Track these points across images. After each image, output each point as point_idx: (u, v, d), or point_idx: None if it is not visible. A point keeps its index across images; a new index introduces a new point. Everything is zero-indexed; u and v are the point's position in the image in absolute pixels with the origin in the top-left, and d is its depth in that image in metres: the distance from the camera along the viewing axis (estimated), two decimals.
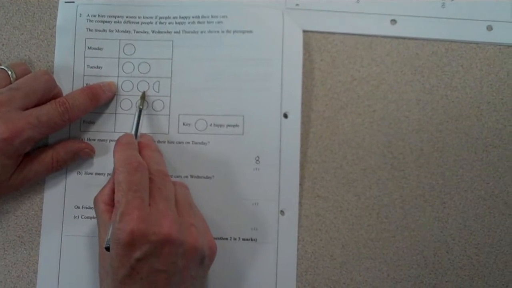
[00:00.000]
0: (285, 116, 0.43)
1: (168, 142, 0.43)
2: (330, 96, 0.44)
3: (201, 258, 0.37)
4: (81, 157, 0.43)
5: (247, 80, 0.43)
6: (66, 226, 0.43)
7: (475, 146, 0.44)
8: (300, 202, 0.43)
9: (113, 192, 0.38)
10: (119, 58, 0.44)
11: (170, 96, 0.44)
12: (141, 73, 0.44)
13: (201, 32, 0.44)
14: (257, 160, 0.43)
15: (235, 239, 0.42)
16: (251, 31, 0.44)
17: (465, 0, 0.44)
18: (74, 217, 0.43)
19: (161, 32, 0.44)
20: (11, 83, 0.40)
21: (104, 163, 0.43)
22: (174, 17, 0.44)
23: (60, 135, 0.43)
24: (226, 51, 0.44)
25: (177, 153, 0.43)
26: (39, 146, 0.42)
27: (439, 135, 0.44)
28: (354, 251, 0.43)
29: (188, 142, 0.43)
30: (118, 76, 0.44)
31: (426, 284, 0.43)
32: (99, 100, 0.42)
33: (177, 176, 0.43)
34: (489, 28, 0.45)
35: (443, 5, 0.45)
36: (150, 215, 0.35)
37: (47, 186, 0.43)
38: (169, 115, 0.43)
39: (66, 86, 0.43)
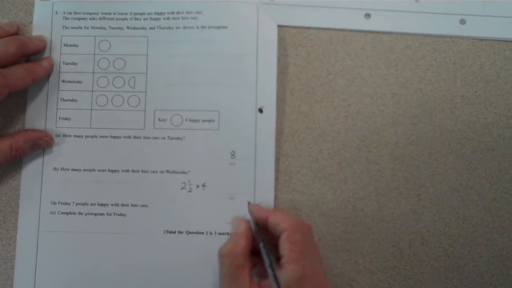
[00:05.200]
0: (260, 110, 0.44)
1: (144, 137, 0.43)
2: (305, 91, 0.45)
3: None
4: (40, 146, 0.43)
5: (222, 75, 0.44)
6: (42, 221, 0.43)
7: (449, 139, 0.44)
8: (276, 196, 0.44)
9: (248, 245, 0.37)
10: (94, 54, 0.44)
11: (145, 92, 0.44)
12: (116, 69, 0.44)
13: (176, 28, 0.44)
14: (233, 155, 0.43)
15: (211, 233, 0.43)
16: (226, 27, 0.44)
17: None
18: (51, 212, 0.43)
19: (136, 28, 0.44)
20: None
21: (80, 159, 0.43)
22: (149, 13, 0.44)
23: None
24: (201, 47, 0.44)
25: (153, 148, 0.43)
26: None
27: (413, 128, 0.44)
28: (330, 243, 0.44)
29: (164, 138, 0.43)
30: (93, 72, 0.44)
31: (402, 275, 0.44)
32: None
33: (153, 171, 0.43)
34: (462, 22, 0.45)
35: (416, 0, 0.45)
36: (320, 282, 0.36)
37: (23, 182, 0.43)
38: (144, 110, 0.44)
39: (42, 82, 0.44)
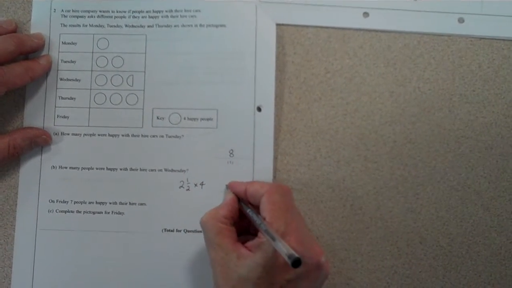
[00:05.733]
0: (259, 109, 0.44)
1: (142, 136, 0.43)
2: (304, 89, 0.45)
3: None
4: (38, 144, 0.43)
5: (221, 73, 0.44)
6: (40, 220, 0.43)
7: (448, 138, 0.44)
8: None
9: (230, 213, 0.38)
10: (92, 52, 0.44)
11: (144, 90, 0.44)
12: (114, 67, 0.44)
13: (175, 26, 0.44)
14: (231, 153, 0.43)
15: None
16: (224, 25, 0.44)
17: None
18: (49, 211, 0.43)
19: (135, 26, 0.44)
20: None
21: (78, 158, 0.43)
22: (147, 11, 0.44)
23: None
24: (199, 45, 0.44)
25: (151, 146, 0.43)
26: None
27: (411, 127, 0.44)
28: (328, 242, 0.44)
29: (162, 136, 0.43)
30: (91, 71, 0.44)
31: (399, 274, 0.44)
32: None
33: (152, 170, 0.43)
34: (461, 20, 0.45)
35: None
36: (305, 237, 0.36)
37: (21, 181, 0.43)
38: (143, 109, 0.44)
39: (40, 80, 0.44)
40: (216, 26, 0.44)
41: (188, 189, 0.43)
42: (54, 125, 0.44)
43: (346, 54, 0.45)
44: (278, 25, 0.45)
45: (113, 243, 0.43)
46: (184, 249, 0.43)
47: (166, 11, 0.44)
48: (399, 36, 0.45)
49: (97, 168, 0.43)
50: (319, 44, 0.45)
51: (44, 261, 0.42)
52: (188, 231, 0.43)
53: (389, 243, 0.44)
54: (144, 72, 0.44)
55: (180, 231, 0.43)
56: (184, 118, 0.43)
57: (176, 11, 0.44)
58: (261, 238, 0.36)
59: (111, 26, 0.44)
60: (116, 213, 0.43)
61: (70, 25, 0.44)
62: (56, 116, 0.44)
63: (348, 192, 0.44)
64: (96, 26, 0.44)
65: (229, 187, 0.42)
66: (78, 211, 0.43)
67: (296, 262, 0.31)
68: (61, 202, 0.43)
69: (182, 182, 0.43)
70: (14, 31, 0.44)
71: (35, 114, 0.44)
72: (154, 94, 0.44)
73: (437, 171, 0.44)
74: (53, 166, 0.43)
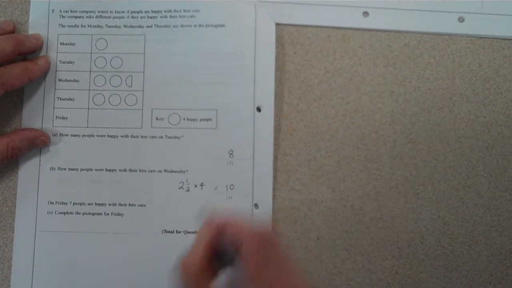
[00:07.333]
0: (258, 109, 0.43)
1: (141, 136, 0.43)
2: (303, 89, 0.45)
3: None
4: (36, 145, 0.43)
5: (220, 74, 0.43)
6: (39, 221, 0.43)
7: (448, 137, 0.44)
8: (274, 195, 0.43)
9: (208, 255, 0.34)
10: (91, 53, 0.44)
11: (143, 91, 0.44)
12: (113, 67, 0.44)
13: (174, 26, 0.44)
14: (231, 154, 0.43)
15: None
16: (223, 25, 0.44)
17: None
18: (48, 212, 0.43)
19: (133, 27, 0.44)
20: None
21: (77, 159, 0.43)
22: (146, 12, 0.44)
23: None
24: (198, 45, 0.44)
25: (151, 147, 0.43)
26: None
27: (412, 127, 0.44)
28: (329, 243, 0.44)
29: (162, 137, 0.43)
30: (90, 71, 0.44)
31: (400, 274, 0.44)
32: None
33: (151, 171, 0.43)
34: (461, 19, 0.45)
35: None
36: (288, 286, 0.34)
37: (20, 182, 0.43)
38: (142, 109, 0.43)
39: (38, 81, 0.43)
40: (215, 26, 0.44)
41: (188, 190, 0.43)
42: (53, 126, 0.43)
43: (346, 54, 0.45)
44: (277, 24, 0.44)
45: (112, 244, 0.42)
46: (184, 250, 0.42)
47: (165, 11, 0.44)
48: (399, 36, 0.45)
49: (96, 169, 0.43)
50: (318, 44, 0.45)
51: (43, 262, 0.42)
52: (188, 232, 0.42)
53: (389, 243, 0.44)
54: (143, 72, 0.44)
55: (180, 232, 0.43)
56: (184, 119, 0.43)
57: (175, 11, 0.44)
58: None
59: (110, 27, 0.44)
60: (116, 214, 0.43)
61: (68, 26, 0.44)
62: (54, 117, 0.43)
63: (349, 192, 0.44)
64: (95, 26, 0.44)
65: (205, 224, 0.36)
66: (77, 213, 0.43)
67: None
68: (60, 203, 0.43)
69: (181, 183, 0.43)
70: (12, 31, 0.44)
71: (34, 115, 0.43)
72: (153, 94, 0.43)
73: (437, 170, 0.44)
74: (52, 168, 0.43)
